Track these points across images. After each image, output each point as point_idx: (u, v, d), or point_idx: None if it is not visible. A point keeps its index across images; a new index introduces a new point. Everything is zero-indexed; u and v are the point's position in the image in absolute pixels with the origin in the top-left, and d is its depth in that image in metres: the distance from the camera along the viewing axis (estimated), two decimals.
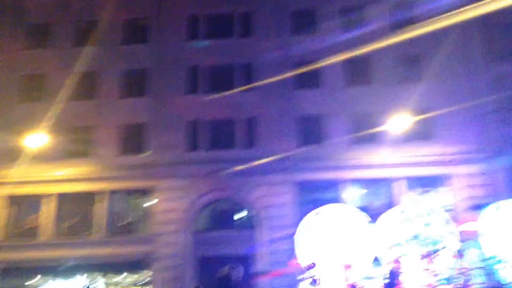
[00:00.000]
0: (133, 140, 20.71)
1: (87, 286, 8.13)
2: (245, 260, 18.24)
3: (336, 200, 19.54)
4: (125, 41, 22.11)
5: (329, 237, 13.00)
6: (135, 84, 21.55)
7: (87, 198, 20.12)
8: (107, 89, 21.33)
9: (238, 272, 8.71)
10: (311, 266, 11.97)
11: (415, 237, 13.41)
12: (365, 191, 20.48)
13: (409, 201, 17.15)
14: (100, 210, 19.86)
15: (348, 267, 12.44)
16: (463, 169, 19.53)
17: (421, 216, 13.85)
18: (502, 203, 13.98)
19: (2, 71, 21.60)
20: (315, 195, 20.35)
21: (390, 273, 12.01)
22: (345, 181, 19.97)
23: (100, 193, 20.01)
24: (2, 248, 19.17)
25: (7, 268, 19.11)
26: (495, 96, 19.98)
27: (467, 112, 19.89)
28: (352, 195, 20.31)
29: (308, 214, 13.86)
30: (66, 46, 21.89)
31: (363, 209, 19.29)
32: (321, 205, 17.30)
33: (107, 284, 19.15)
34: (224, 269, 10.61)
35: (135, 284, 19.63)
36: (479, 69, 20.67)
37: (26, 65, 21.68)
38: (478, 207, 15.59)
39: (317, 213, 13.51)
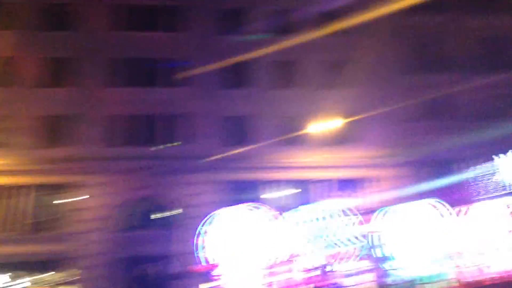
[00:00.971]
0: (51, 132, 19.78)
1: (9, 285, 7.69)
2: (166, 260, 18.18)
3: (258, 200, 20.02)
4: (47, 27, 20.93)
5: (233, 238, 13.22)
6: (55, 73, 20.53)
7: (2, 192, 19.02)
8: (25, 76, 20.12)
9: (156, 272, 8.67)
10: (212, 268, 12.19)
11: (319, 237, 14.07)
12: (288, 192, 21.19)
13: (320, 202, 17.93)
14: (16, 206, 18.80)
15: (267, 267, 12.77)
16: (376, 172, 20.83)
17: (326, 217, 14.56)
18: (395, 208, 15.08)
19: None
20: (239, 195, 20.67)
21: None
22: (268, 182, 20.49)
23: (16, 187, 18.93)
24: None
25: None
26: (406, 106, 21.47)
27: (381, 120, 21.18)
28: (275, 195, 20.93)
29: (210, 216, 13.96)
30: None
31: (285, 209, 20.05)
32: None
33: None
34: (142, 268, 10.56)
35: (53, 284, 18.87)
36: (394, 79, 22.02)
37: None
38: (374, 210, 16.66)
39: (219, 215, 13.66)
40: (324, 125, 19.98)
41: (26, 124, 19.49)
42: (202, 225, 13.62)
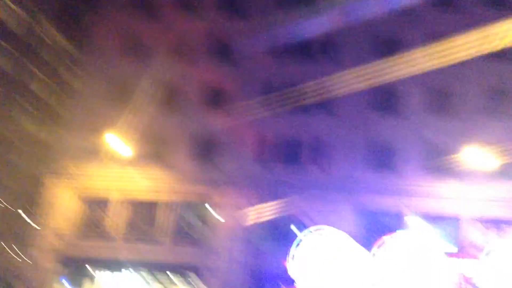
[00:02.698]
0: (205, 151, 21.04)
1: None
2: None
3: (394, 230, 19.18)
4: None
5: (322, 261, 13.34)
6: None
7: (153, 205, 20.66)
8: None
9: None
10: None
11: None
12: (429, 225, 19.80)
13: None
14: (166, 218, 20.44)
15: None
16: None
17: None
18: None
19: None
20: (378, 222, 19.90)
21: None
22: (409, 211, 19.45)
23: (168, 202, 20.58)
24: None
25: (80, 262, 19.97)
26: None
27: None
28: (414, 226, 19.74)
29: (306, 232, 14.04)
30: None
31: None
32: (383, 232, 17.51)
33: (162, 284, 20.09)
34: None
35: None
36: None
37: None
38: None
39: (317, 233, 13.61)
40: (477, 156, 18.22)
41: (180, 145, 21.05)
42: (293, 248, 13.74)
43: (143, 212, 20.62)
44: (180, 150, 21.03)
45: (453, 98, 20.53)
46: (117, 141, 20.08)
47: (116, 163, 20.41)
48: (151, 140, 20.98)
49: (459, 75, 20.30)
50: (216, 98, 21.70)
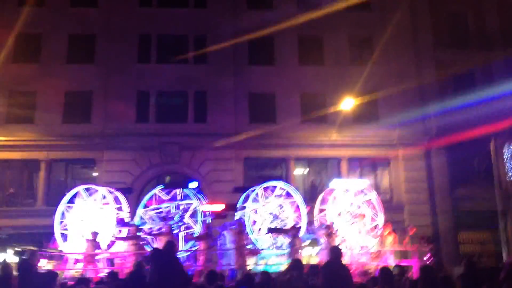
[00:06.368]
0: (79, 108, 20.11)
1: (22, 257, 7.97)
2: None
3: (281, 177, 20.08)
4: (74, 4, 21.11)
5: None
6: (83, 49, 20.74)
7: (27, 166, 19.58)
8: (52, 53, 20.41)
9: None
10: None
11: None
12: (310, 169, 21.09)
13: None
14: (41, 179, 19.35)
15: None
16: (402, 152, 20.41)
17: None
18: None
19: None
20: (262, 172, 20.74)
21: None
22: (291, 159, 20.41)
23: (41, 161, 19.42)
24: None
25: None
26: (438, 83, 20.77)
27: (410, 97, 20.60)
28: (298, 172, 20.87)
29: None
30: (9, 5, 20.60)
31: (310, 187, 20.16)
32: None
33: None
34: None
35: None
36: (425, 55, 21.29)
37: None
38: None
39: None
40: (352, 102, 19.49)
41: (54, 99, 19.80)
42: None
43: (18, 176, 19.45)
44: (50, 105, 19.74)
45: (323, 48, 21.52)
46: None
47: None
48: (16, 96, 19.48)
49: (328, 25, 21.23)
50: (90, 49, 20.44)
